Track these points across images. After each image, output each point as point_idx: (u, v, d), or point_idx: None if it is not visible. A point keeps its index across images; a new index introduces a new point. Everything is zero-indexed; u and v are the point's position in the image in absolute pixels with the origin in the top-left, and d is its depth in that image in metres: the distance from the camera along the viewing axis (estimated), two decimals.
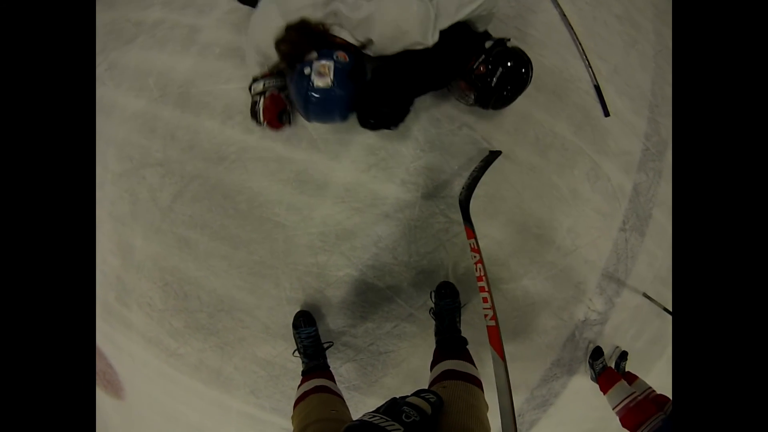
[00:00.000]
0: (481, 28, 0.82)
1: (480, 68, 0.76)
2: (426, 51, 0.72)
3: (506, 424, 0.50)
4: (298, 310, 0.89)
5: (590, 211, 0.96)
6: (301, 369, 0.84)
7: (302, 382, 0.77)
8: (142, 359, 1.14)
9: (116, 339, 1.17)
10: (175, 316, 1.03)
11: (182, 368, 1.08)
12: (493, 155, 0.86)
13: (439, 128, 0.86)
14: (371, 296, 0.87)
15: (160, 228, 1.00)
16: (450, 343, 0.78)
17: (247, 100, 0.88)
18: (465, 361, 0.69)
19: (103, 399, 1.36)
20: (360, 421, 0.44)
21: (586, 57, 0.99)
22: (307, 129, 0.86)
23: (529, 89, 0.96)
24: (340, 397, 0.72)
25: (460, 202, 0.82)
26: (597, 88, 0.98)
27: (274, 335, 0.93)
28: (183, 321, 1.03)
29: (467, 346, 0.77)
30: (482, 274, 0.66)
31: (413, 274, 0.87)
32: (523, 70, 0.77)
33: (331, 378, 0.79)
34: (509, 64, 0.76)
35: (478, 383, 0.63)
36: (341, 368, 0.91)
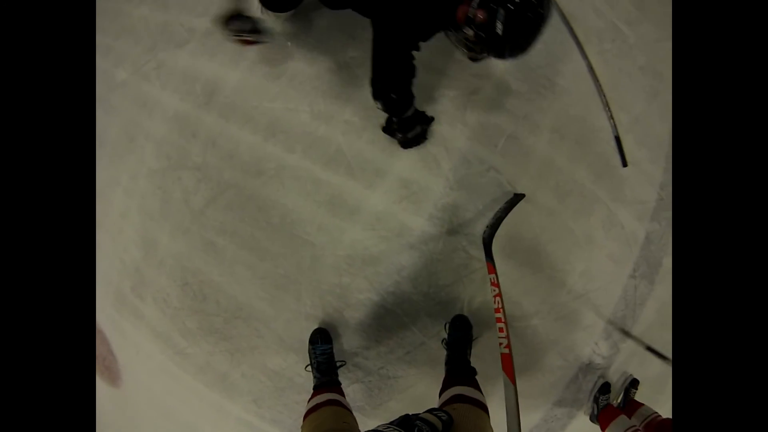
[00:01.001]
0: None
1: (478, 15, 0.61)
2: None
3: None
4: (315, 326, 0.91)
5: (603, 257, 1.00)
6: (313, 384, 0.86)
7: (314, 395, 0.79)
8: (146, 352, 1.15)
9: (124, 328, 1.18)
10: (190, 316, 1.05)
11: (187, 367, 1.09)
12: (517, 198, 0.90)
13: (469, 169, 0.91)
14: (388, 321, 0.90)
15: (189, 229, 1.03)
16: (460, 371, 0.82)
17: (289, 119, 0.93)
18: (474, 388, 0.72)
19: (98, 384, 1.36)
20: (375, 430, 0.46)
21: (609, 108, 1.03)
22: (345, 156, 0.90)
23: (554, 137, 1.02)
24: (351, 412, 0.74)
25: (484, 240, 0.86)
26: (617, 139, 1.02)
27: (287, 348, 0.95)
28: (197, 322, 1.04)
29: (476, 377, 0.80)
30: (500, 306, 0.72)
31: (430, 304, 0.90)
32: (536, 1, 0.60)
33: (342, 394, 0.81)
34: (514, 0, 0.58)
35: (485, 409, 0.66)
36: (349, 388, 0.93)
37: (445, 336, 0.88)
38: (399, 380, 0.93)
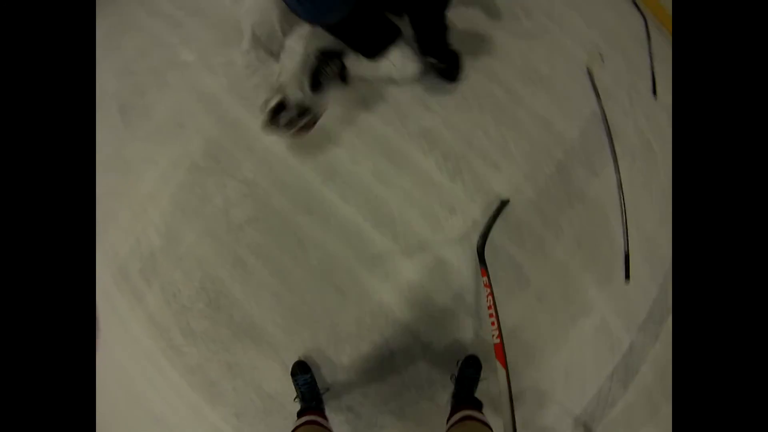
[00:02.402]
0: None
1: None
2: None
3: (506, 422, 0.62)
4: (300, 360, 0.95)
5: (588, 357, 1.10)
6: (298, 410, 0.90)
7: (297, 419, 0.83)
8: (135, 334, 1.12)
9: (118, 303, 1.14)
10: (196, 318, 1.06)
11: (176, 364, 1.08)
12: (503, 204, 1.00)
13: (497, 259, 1.00)
14: (391, 377, 0.96)
15: (221, 238, 1.04)
16: (468, 401, 0.88)
17: (350, 170, 0.97)
18: (481, 413, 0.80)
19: None
20: None
21: (626, 226, 1.13)
22: (395, 221, 0.97)
23: (573, 245, 1.11)
24: (330, 431, 0.78)
25: (477, 248, 0.96)
26: (626, 256, 1.13)
27: (288, 377, 0.98)
28: (203, 326, 1.05)
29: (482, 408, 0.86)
30: (492, 303, 0.81)
31: (434, 372, 0.97)
32: None
33: (325, 417, 0.86)
34: None
35: (492, 431, 0.72)
36: (336, 429, 0.97)
37: (455, 372, 0.94)
38: (384, 430, 0.99)
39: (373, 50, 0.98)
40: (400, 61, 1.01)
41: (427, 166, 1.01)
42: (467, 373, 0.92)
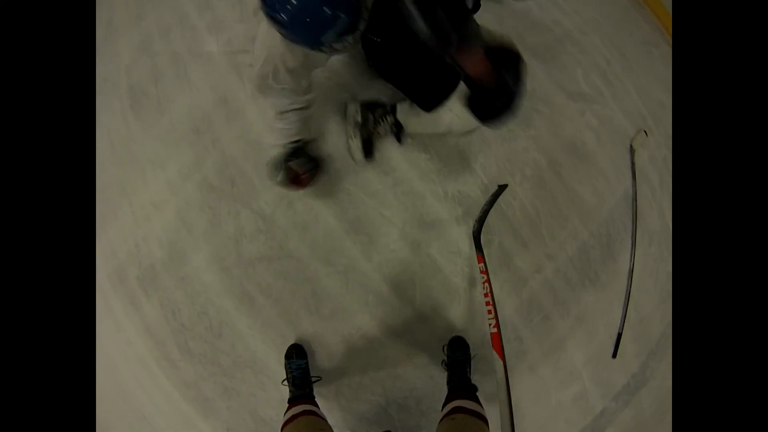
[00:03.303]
0: None
1: None
2: None
3: (504, 415, 0.63)
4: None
5: (562, 419, 1.17)
6: (288, 397, 0.90)
7: (289, 408, 0.83)
8: (128, 337, 1.09)
9: (113, 304, 1.09)
10: (195, 340, 1.04)
11: (171, 375, 1.07)
12: (500, 189, 0.98)
13: (503, 331, 1.00)
14: (383, 420, 1.00)
15: (229, 270, 0.99)
16: (461, 388, 0.87)
17: (378, 225, 0.91)
18: (474, 401, 0.77)
19: None
20: None
21: (626, 310, 1.17)
22: (415, 286, 0.95)
23: (575, 324, 1.13)
24: (326, 421, 0.79)
25: (473, 233, 0.94)
26: (619, 336, 1.17)
27: (285, 408, 0.99)
28: (201, 349, 1.03)
29: (477, 393, 0.85)
30: (488, 291, 0.81)
31: (424, 421, 1.01)
32: None
33: (317, 406, 0.86)
34: None
35: (484, 420, 0.72)
36: None
37: (444, 358, 0.93)
38: None
39: (432, 100, 0.81)
40: (462, 110, 0.83)
41: (456, 236, 0.99)
42: (456, 357, 0.91)
